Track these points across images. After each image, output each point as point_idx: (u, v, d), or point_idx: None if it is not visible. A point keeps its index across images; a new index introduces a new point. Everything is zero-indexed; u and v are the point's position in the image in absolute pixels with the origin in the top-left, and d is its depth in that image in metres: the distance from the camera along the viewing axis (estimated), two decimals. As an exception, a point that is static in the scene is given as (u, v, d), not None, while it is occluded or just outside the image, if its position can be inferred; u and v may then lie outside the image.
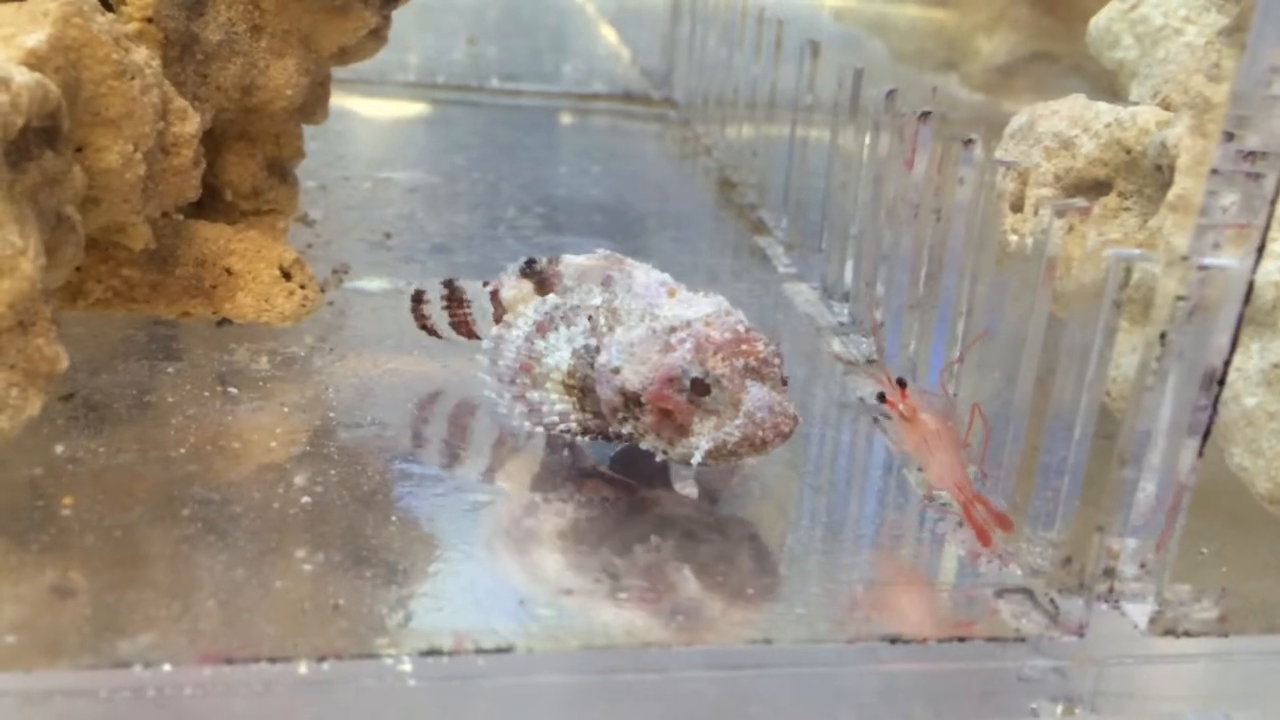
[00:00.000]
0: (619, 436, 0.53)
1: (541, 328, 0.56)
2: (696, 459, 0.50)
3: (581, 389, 0.54)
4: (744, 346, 0.51)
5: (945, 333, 0.61)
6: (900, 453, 0.59)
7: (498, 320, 0.60)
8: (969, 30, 1.13)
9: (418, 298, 0.64)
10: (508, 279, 0.61)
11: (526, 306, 0.57)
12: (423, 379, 0.61)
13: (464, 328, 0.63)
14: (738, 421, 0.50)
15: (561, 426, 0.54)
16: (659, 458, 0.52)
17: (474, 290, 0.62)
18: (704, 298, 0.54)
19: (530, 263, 0.60)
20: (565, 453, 0.56)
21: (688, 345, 0.51)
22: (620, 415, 0.52)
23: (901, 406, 0.53)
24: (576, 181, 1.03)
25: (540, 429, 0.55)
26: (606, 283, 0.57)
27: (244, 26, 0.63)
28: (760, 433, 0.50)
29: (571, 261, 0.59)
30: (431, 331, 0.63)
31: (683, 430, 0.51)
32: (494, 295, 0.61)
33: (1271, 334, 0.51)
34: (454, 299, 0.63)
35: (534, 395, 0.55)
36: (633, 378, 0.51)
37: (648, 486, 0.54)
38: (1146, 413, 0.43)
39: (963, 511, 0.51)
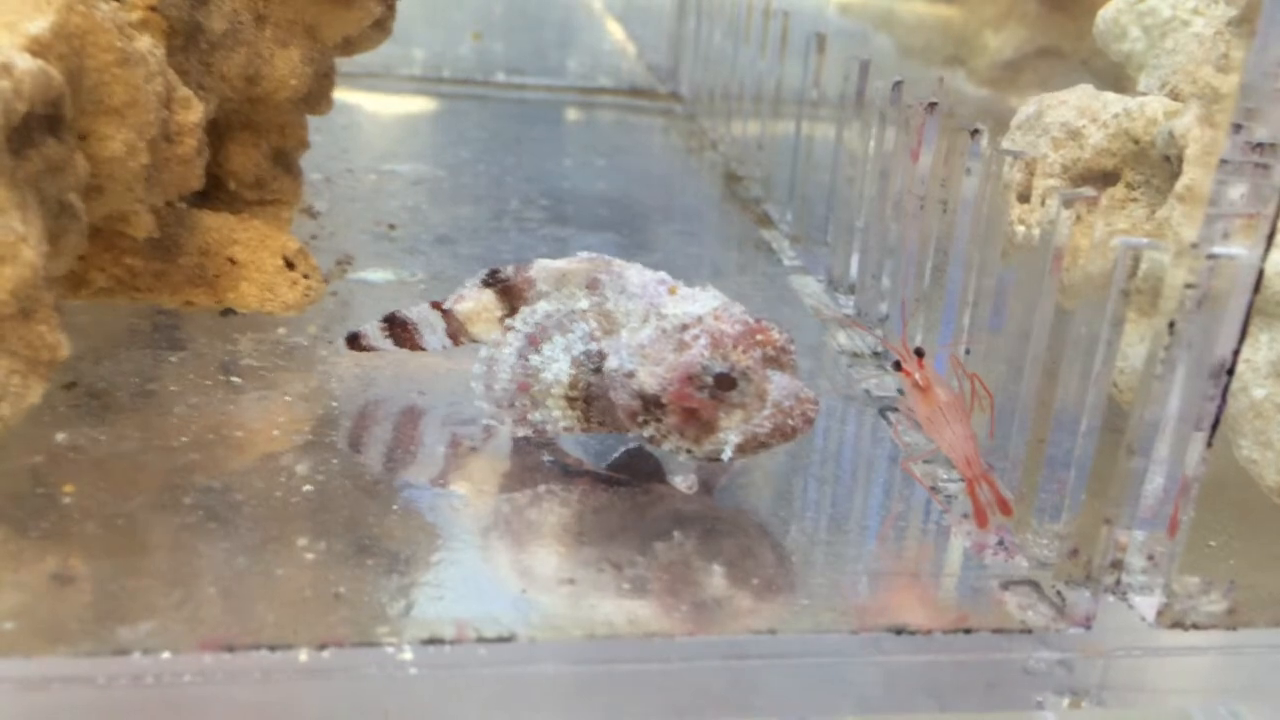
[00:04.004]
0: (635, 440, 0.53)
1: (534, 340, 0.54)
2: (727, 454, 0.50)
3: (585, 399, 0.53)
4: (759, 336, 0.50)
5: (951, 324, 0.61)
6: (904, 446, 0.59)
7: (452, 337, 0.59)
8: (976, 25, 1.12)
9: (354, 339, 0.60)
10: (468, 292, 0.58)
11: (515, 319, 0.55)
12: (425, 369, 0.61)
13: (408, 345, 0.60)
14: (766, 412, 0.49)
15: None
16: (681, 457, 0.52)
17: (419, 313, 0.59)
18: (703, 292, 0.53)
19: (494, 273, 0.58)
20: (545, 454, 0.55)
21: (703, 341, 0.50)
22: (640, 419, 0.51)
23: (918, 375, 0.53)
24: (582, 175, 1.03)
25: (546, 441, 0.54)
26: (593, 286, 0.55)
27: (248, 16, 0.63)
28: (790, 421, 0.49)
29: (547, 266, 0.57)
30: (368, 348, 0.60)
31: (709, 427, 0.50)
32: (447, 314, 0.58)
33: (1280, 325, 0.51)
34: (395, 326, 0.59)
35: (536, 416, 0.53)
36: (649, 380, 0.50)
37: (646, 480, 0.53)
38: (1155, 403, 0.43)
39: (966, 488, 0.51)
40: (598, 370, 0.52)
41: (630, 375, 0.51)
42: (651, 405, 0.50)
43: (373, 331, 0.60)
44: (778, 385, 0.50)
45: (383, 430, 0.56)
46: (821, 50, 0.87)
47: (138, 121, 0.52)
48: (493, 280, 0.58)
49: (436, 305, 0.59)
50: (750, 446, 0.50)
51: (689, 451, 0.51)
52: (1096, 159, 0.59)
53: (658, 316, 0.52)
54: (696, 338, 0.50)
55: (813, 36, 0.88)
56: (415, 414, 0.58)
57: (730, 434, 0.50)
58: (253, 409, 0.55)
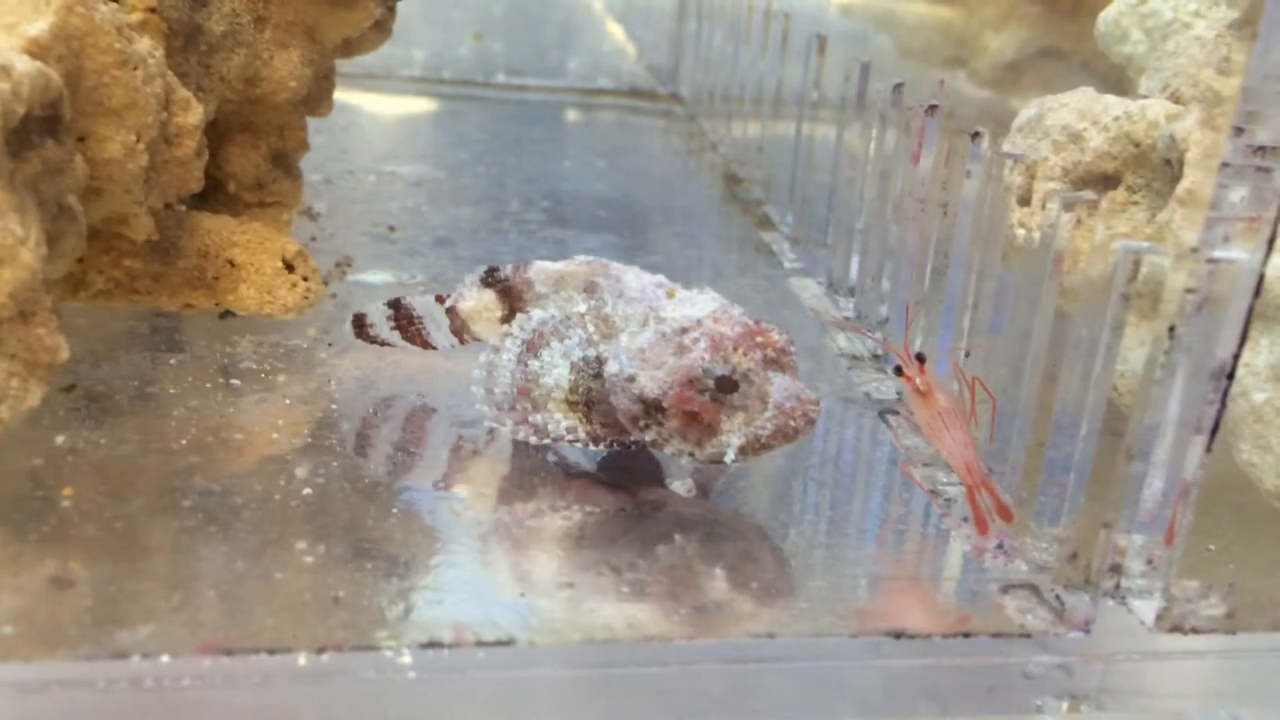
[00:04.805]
0: (637, 444, 0.53)
1: (532, 346, 0.54)
2: (729, 457, 0.50)
3: (586, 403, 0.53)
4: (759, 338, 0.50)
5: (951, 327, 0.61)
6: (904, 449, 0.59)
7: (455, 334, 0.59)
8: (977, 27, 1.12)
9: (359, 321, 0.61)
10: (468, 290, 0.58)
11: (512, 325, 0.55)
12: (425, 371, 0.61)
13: (417, 341, 0.60)
14: (768, 414, 0.49)
15: (570, 438, 0.53)
16: (683, 461, 0.52)
17: (424, 305, 0.60)
18: (702, 295, 0.53)
19: (492, 271, 0.58)
20: (545, 457, 0.55)
21: (703, 345, 0.50)
22: (641, 423, 0.51)
23: (918, 381, 0.53)
24: (581, 176, 1.03)
25: (548, 441, 0.53)
26: (591, 289, 0.55)
27: (248, 17, 0.62)
28: (791, 422, 0.49)
29: (545, 268, 0.56)
30: (380, 343, 0.61)
31: (711, 430, 0.50)
32: (450, 311, 0.59)
33: (1281, 329, 0.51)
34: (401, 317, 0.60)
35: (537, 418, 0.53)
36: (650, 384, 0.50)
37: (644, 485, 0.53)
38: (1154, 407, 0.43)
39: (966, 495, 0.51)
40: (598, 376, 0.52)
41: (630, 379, 0.50)
42: (652, 409, 0.50)
43: (379, 321, 0.60)
44: (779, 386, 0.50)
45: (382, 433, 0.56)
46: (822, 52, 0.87)
47: (137, 123, 0.52)
48: (491, 280, 0.58)
49: (440, 299, 0.59)
50: (752, 448, 0.50)
51: (691, 455, 0.51)
52: (1097, 162, 0.59)
53: (656, 320, 0.52)
54: (696, 341, 0.50)
55: (813, 38, 0.87)
56: (415, 416, 0.58)
57: (732, 436, 0.50)
58: (252, 411, 0.55)
